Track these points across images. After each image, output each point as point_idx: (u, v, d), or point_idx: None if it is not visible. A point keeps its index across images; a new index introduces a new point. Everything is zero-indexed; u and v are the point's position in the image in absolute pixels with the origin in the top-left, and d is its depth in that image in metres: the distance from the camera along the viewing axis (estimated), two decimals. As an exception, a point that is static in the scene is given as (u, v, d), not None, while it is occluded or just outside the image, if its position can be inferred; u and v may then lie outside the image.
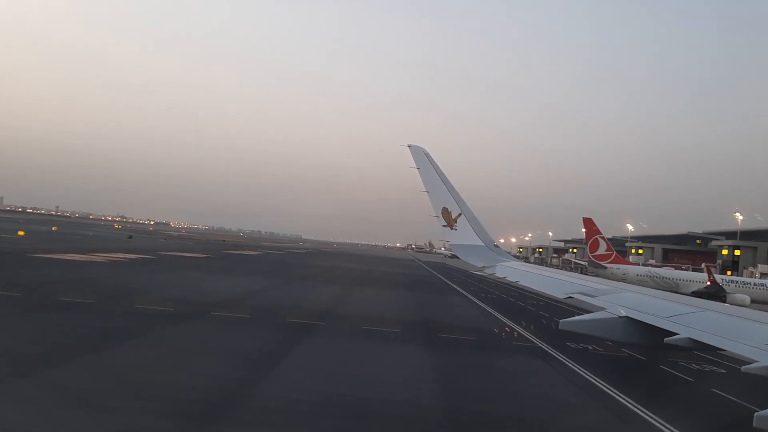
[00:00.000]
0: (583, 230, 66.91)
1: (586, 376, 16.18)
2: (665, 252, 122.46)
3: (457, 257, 18.99)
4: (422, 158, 16.41)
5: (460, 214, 16.62)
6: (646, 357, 19.51)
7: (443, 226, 16.58)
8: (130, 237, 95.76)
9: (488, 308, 33.32)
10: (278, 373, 14.09)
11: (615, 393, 14.34)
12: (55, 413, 9.68)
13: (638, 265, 72.59)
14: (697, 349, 7.46)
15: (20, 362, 12.58)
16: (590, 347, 20.47)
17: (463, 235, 16.73)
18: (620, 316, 8.58)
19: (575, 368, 17.17)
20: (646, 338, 8.25)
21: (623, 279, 60.50)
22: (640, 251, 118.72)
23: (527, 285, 14.25)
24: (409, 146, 16.54)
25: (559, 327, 8.97)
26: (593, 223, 65.68)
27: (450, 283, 56.30)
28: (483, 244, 16.90)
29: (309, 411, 11.23)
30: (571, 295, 11.11)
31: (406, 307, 31.62)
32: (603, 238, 65.11)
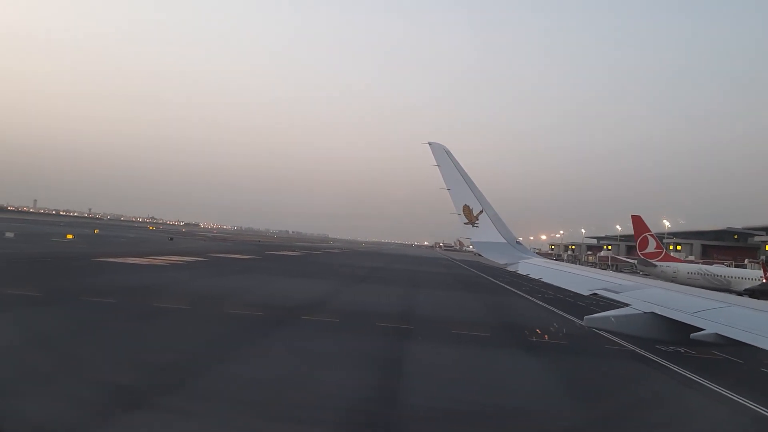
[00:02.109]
0: (631, 228, 65.93)
1: (703, 383, 15.83)
2: (704, 248, 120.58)
3: None
4: (443, 156, 16.35)
5: (481, 211, 16.50)
6: (742, 360, 19.16)
7: (464, 223, 16.45)
8: (171, 239, 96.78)
9: (554, 309, 33.00)
10: (410, 380, 14.17)
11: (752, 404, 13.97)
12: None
13: (689, 263, 71.38)
14: (724, 345, 7.25)
15: (167, 373, 12.78)
16: (681, 350, 20.11)
17: (485, 233, 16.61)
18: (645, 312, 8.50)
19: (687, 374, 16.80)
20: (672, 334, 8.18)
21: (674, 277, 59.60)
22: (678, 248, 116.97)
23: (551, 282, 13.74)
24: (430, 144, 16.46)
25: (584, 323, 8.86)
26: (642, 220, 64.80)
27: (499, 282, 55.93)
28: (505, 241, 16.76)
29: (464, 418, 11.22)
30: (595, 292, 10.92)
31: (477, 310, 31.42)
32: (653, 235, 64.22)
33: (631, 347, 20.49)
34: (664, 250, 65.02)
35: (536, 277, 14.71)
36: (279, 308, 23.90)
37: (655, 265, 62.29)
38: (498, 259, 16.72)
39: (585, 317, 8.80)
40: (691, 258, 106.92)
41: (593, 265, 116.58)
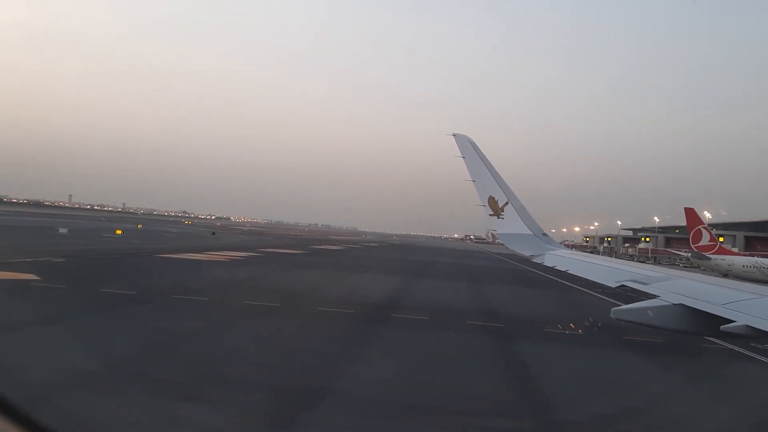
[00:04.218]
0: (685, 221, 64.90)
1: None
2: (747, 240, 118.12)
3: None
4: (467, 147, 16.11)
5: (507, 203, 16.31)
6: None
7: (490, 215, 16.28)
8: (213, 233, 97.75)
9: (621, 304, 32.48)
10: (547, 383, 13.98)
11: None
12: None
13: (744, 255, 70.04)
14: (756, 337, 7.06)
15: (315, 374, 12.78)
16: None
17: (511, 224, 16.40)
18: (674, 304, 8.29)
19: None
20: (701, 326, 7.96)
21: (728, 270, 58.58)
22: (721, 239, 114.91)
23: (577, 273, 13.62)
24: (455, 135, 16.27)
25: (611, 315, 8.65)
26: (696, 212, 63.76)
27: (551, 276, 55.21)
28: (531, 233, 16.52)
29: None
30: (624, 284, 10.61)
31: (550, 306, 31.00)
32: (706, 228, 63.19)
33: (722, 343, 20.02)
34: (718, 243, 63.85)
35: (562, 269, 14.55)
36: (363, 305, 23.88)
37: (710, 258, 61.29)
38: (524, 251, 16.55)
39: (613, 309, 8.65)
40: (735, 250, 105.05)
41: (631, 257, 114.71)
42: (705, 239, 62.56)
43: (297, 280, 32.74)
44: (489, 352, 17.20)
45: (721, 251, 63.19)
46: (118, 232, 71.99)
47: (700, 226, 63.01)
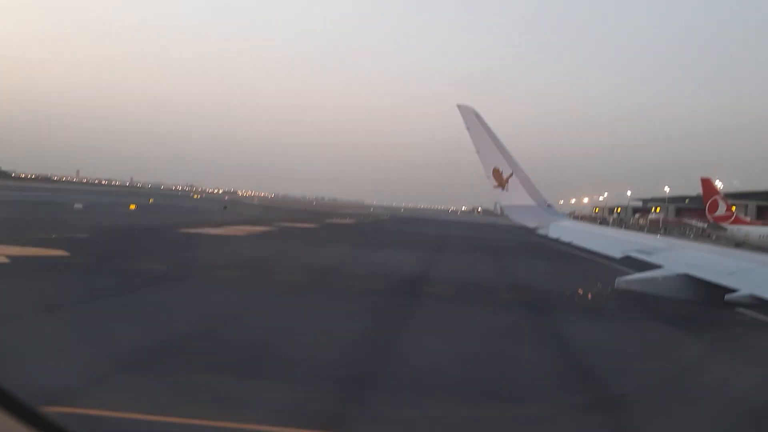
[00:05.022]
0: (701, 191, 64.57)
1: None
2: (759, 209, 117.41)
3: None
4: (472, 118, 16.02)
5: (511, 174, 16.29)
6: None
7: (494, 187, 16.35)
8: (225, 207, 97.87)
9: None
10: (600, 357, 13.87)
11: None
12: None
13: (761, 225, 69.69)
14: (761, 306, 7.02)
15: (374, 350, 12.85)
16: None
17: (515, 196, 16.44)
18: (678, 274, 8.34)
19: None
20: (706, 296, 8.01)
21: (744, 240, 58.35)
22: (732, 209, 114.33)
23: (582, 244, 13.66)
24: (459, 107, 16.15)
25: (616, 285, 8.84)
26: (712, 183, 63.42)
27: (570, 249, 55.22)
28: (535, 204, 16.57)
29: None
30: (628, 254, 10.75)
31: (574, 280, 30.91)
32: (723, 198, 62.82)
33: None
34: (734, 213, 63.55)
35: (567, 241, 14.50)
36: (391, 279, 23.94)
37: (725, 228, 61.06)
38: (528, 222, 16.55)
39: (617, 279, 8.77)
40: (747, 219, 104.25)
41: (641, 228, 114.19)
42: (721, 209, 62.22)
43: (321, 255, 32.76)
44: (534, 327, 17.14)
45: (738, 221, 62.90)
46: (132, 207, 72.07)
47: (716, 196, 62.65)
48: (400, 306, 18.54)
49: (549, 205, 17.38)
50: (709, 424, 9.82)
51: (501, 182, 16.36)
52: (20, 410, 2.42)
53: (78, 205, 63.21)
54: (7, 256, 21.32)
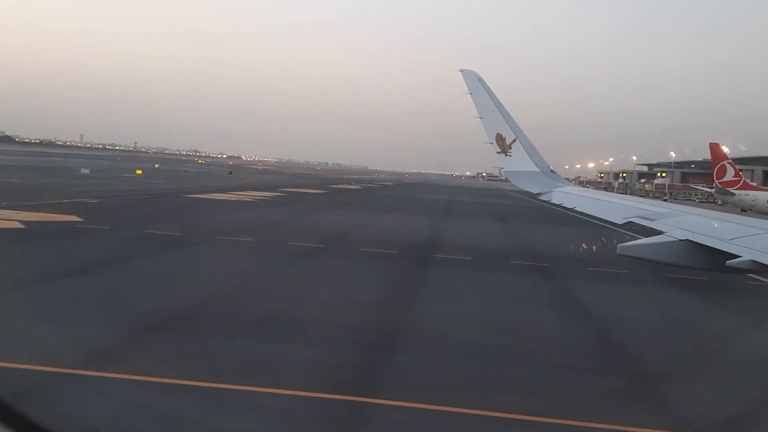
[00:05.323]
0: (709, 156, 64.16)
1: None
2: (766, 175, 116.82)
3: None
4: (475, 83, 15.93)
5: (514, 140, 16.24)
6: None
7: (497, 152, 16.32)
8: (230, 173, 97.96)
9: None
10: (610, 322, 13.83)
11: None
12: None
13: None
14: (761, 271, 7.22)
15: (400, 314, 12.96)
16: None
17: (518, 162, 16.43)
18: (680, 240, 8.38)
19: None
20: (707, 261, 8.11)
21: (752, 206, 58.17)
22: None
23: (585, 211, 13.83)
24: (462, 71, 16.09)
25: (618, 252, 8.89)
26: (720, 148, 62.87)
27: (571, 214, 55.13)
28: (538, 170, 16.54)
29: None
30: (630, 220, 10.82)
31: (580, 243, 30.91)
32: (731, 164, 62.39)
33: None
34: (743, 179, 63.23)
35: (569, 206, 14.50)
36: (402, 245, 23.94)
37: (733, 194, 60.78)
38: (531, 188, 16.57)
39: (618, 245, 8.88)
40: (753, 185, 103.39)
41: (647, 193, 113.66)
42: (729, 175, 61.82)
43: (330, 220, 32.93)
44: (545, 291, 17.22)
45: (746, 186, 62.59)
46: (139, 172, 72.21)
47: (724, 162, 62.20)
48: (413, 270, 18.68)
49: (552, 171, 17.36)
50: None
51: (504, 148, 16.33)
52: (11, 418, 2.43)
53: (85, 170, 63.31)
54: (22, 222, 21.40)
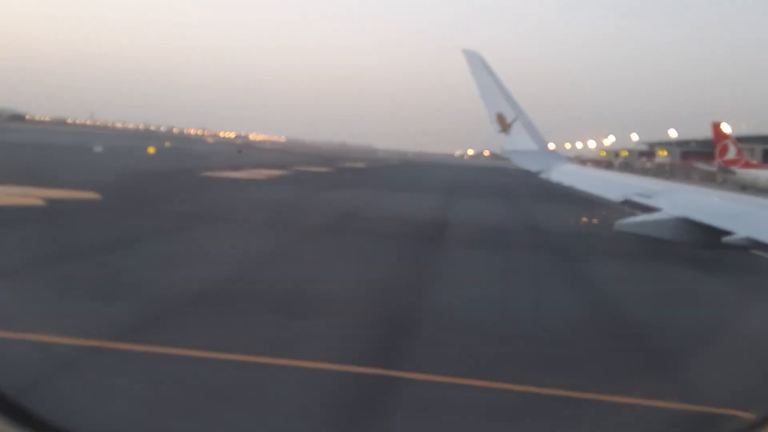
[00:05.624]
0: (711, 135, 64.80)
1: None
2: (765, 153, 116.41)
3: None
4: (477, 63, 16.12)
5: (515, 119, 16.43)
6: None
7: (498, 132, 16.55)
8: (240, 151, 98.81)
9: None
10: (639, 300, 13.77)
11: None
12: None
13: (769, 169, 69.81)
14: (756, 248, 7.23)
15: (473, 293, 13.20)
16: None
17: (518, 140, 16.60)
18: (677, 217, 8.46)
19: None
20: (703, 238, 8.16)
21: (753, 184, 58.77)
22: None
23: (583, 188, 13.88)
24: (465, 51, 16.23)
25: (615, 229, 9.17)
26: (722, 127, 63.49)
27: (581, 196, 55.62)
28: (538, 149, 16.76)
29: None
30: (628, 198, 10.89)
31: (593, 222, 31.49)
32: (734, 142, 63.00)
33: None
34: (744, 157, 63.90)
35: (568, 184, 14.62)
36: (414, 222, 24.55)
37: (735, 172, 61.40)
38: (531, 167, 16.66)
39: (615, 222, 9.17)
40: (754, 163, 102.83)
41: (647, 172, 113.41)
42: (732, 153, 62.42)
43: (343, 199, 33.49)
44: (560, 268, 17.27)
45: (747, 165, 63.21)
46: (151, 150, 72.87)
47: (726, 140, 62.84)
48: (426, 247, 19.18)
49: (552, 150, 17.46)
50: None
51: (504, 127, 16.56)
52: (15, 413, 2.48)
53: (98, 148, 64.16)
54: (42, 199, 21.43)
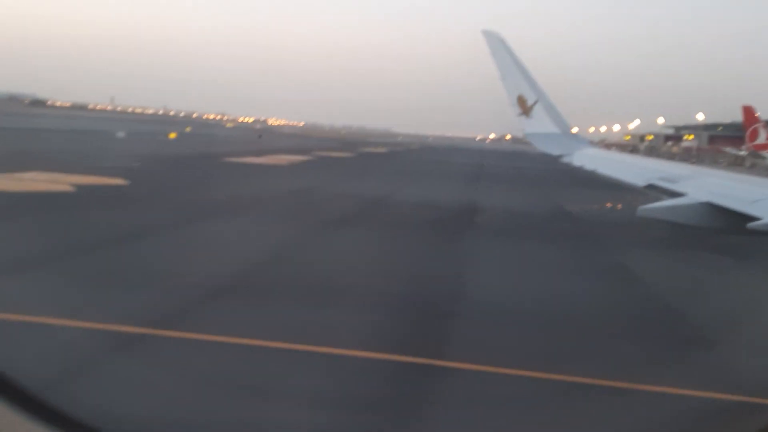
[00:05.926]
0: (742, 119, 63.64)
1: None
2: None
3: None
4: (498, 45, 15.83)
5: (536, 102, 16.21)
6: None
7: (519, 114, 16.41)
8: (260, 136, 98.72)
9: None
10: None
11: None
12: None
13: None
14: None
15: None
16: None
17: (540, 123, 16.33)
18: (701, 202, 8.39)
19: None
20: (728, 223, 8.04)
21: (784, 169, 57.94)
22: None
23: (606, 172, 13.76)
24: (485, 33, 15.85)
25: (638, 214, 9.06)
26: (753, 111, 62.29)
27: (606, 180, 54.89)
28: (559, 132, 16.53)
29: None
30: (652, 183, 10.76)
31: (627, 210, 30.82)
32: (765, 126, 61.91)
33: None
34: (775, 142, 62.80)
35: (590, 168, 14.12)
36: (443, 209, 23.78)
37: (765, 157, 60.52)
38: (552, 150, 16.27)
39: (639, 208, 9.07)
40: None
41: (673, 156, 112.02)
42: (762, 138, 61.46)
43: (367, 185, 33.12)
44: (601, 259, 16.47)
45: (778, 150, 62.17)
46: (172, 135, 73.11)
47: (757, 125, 61.76)
48: (458, 234, 18.90)
49: (574, 133, 17.05)
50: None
51: (525, 110, 16.41)
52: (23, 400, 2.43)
53: (121, 134, 64.48)
54: (71, 184, 21.61)
